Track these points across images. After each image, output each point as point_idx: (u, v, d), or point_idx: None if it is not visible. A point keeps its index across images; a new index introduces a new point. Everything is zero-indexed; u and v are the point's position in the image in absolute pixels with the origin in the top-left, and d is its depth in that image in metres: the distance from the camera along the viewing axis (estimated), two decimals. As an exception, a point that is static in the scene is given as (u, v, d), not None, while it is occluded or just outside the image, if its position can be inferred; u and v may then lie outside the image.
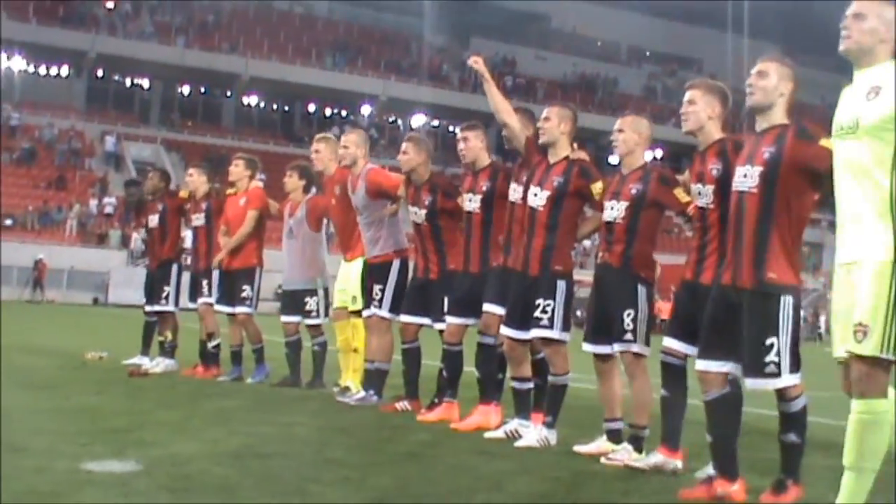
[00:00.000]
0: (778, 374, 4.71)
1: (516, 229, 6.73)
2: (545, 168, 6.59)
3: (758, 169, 4.79)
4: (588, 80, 59.92)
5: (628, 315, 5.95)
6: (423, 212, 7.76)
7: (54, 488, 4.22)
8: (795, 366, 4.74)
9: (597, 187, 6.38)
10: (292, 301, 9.49)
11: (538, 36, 60.19)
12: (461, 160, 7.52)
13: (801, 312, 4.88)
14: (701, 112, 5.51)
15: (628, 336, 5.94)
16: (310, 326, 9.44)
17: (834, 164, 4.33)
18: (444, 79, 55.04)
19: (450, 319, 7.42)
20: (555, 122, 6.59)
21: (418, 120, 54.76)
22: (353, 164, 8.40)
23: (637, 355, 5.96)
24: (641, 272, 6.00)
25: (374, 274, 8.26)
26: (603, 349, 6.06)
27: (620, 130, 6.15)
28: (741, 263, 4.79)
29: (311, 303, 9.39)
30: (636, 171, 6.09)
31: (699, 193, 5.43)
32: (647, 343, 6.00)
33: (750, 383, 4.76)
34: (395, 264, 8.18)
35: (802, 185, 4.71)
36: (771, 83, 4.89)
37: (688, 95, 5.58)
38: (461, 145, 7.44)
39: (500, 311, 6.86)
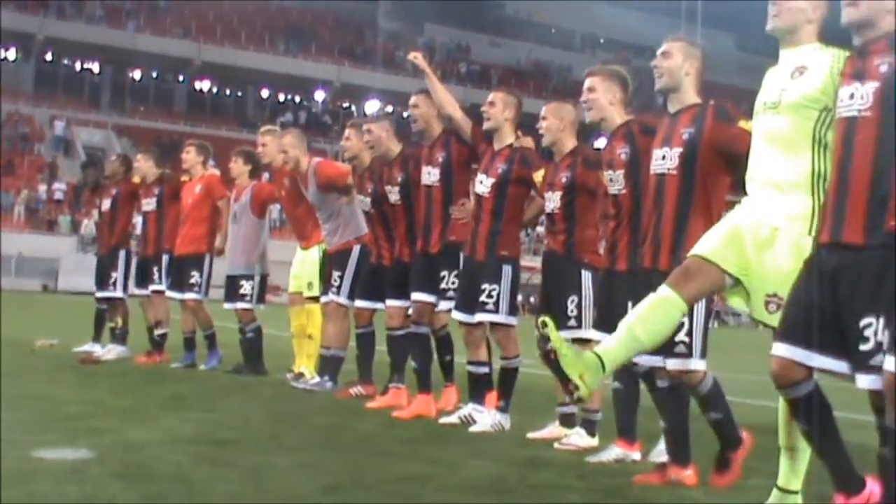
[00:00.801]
0: (688, 355, 4.67)
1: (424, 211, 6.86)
2: (490, 156, 6.62)
3: (677, 150, 4.75)
4: (542, 68, 60.06)
5: (572, 301, 5.98)
6: (368, 199, 7.75)
7: (5, 476, 4.18)
8: (705, 352, 4.70)
9: (538, 175, 6.40)
10: (233, 286, 9.46)
11: (493, 22, 60.22)
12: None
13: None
14: (601, 99, 5.51)
15: (572, 322, 5.96)
16: (242, 311, 9.41)
17: (753, 137, 4.34)
18: (399, 65, 54.89)
19: (390, 303, 7.43)
20: (499, 108, 6.61)
21: (372, 106, 54.59)
22: (296, 165, 8.42)
23: (585, 341, 5.91)
24: (585, 258, 6.02)
25: (333, 261, 8.28)
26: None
27: (544, 118, 6.16)
28: (661, 246, 4.79)
29: (245, 286, 9.35)
30: (565, 159, 6.12)
31: (611, 180, 5.42)
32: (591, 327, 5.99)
33: (666, 364, 4.72)
34: (355, 251, 8.19)
35: (720, 166, 4.70)
36: (676, 63, 4.87)
37: (587, 83, 5.55)
38: (410, 111, 7.36)
39: (430, 298, 6.90)
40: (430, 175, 6.97)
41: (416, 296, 7.08)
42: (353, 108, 55.14)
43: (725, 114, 4.68)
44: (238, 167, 9.54)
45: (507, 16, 61.77)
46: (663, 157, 4.82)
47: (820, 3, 4.30)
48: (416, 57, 7.01)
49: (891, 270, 3.52)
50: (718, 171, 4.73)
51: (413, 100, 7.20)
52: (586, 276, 5.99)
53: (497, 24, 60.68)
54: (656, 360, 4.82)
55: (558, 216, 6.06)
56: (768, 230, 4.14)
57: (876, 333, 3.51)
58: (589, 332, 5.88)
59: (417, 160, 7.18)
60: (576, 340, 5.97)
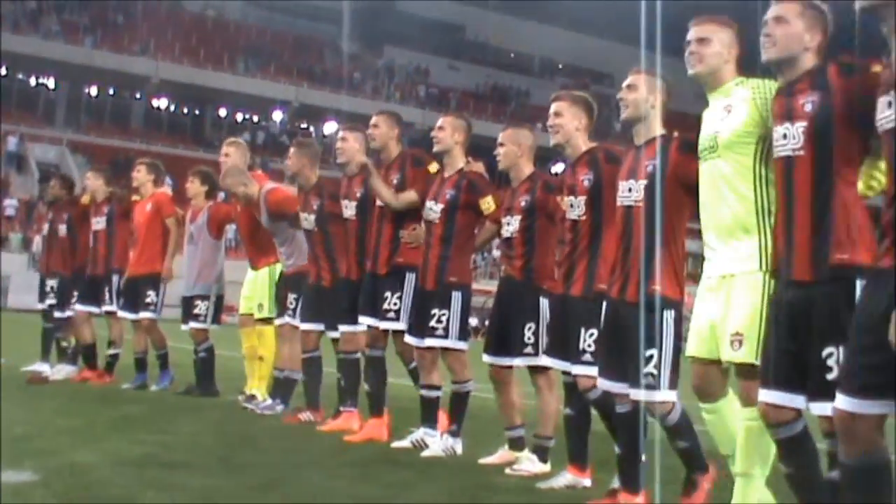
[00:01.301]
0: (656, 387, 4.69)
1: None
2: (440, 182, 6.64)
3: (642, 183, 4.84)
4: (501, 92, 60.35)
5: (529, 328, 5.98)
6: (312, 217, 7.71)
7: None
8: (674, 383, 4.72)
9: (485, 202, 6.42)
10: (189, 307, 9.39)
11: (452, 46, 60.41)
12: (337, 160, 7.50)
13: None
14: (568, 124, 5.55)
15: (529, 350, 5.97)
16: (196, 330, 9.34)
17: (700, 184, 4.46)
18: (357, 86, 54.91)
19: (343, 327, 7.40)
20: (448, 132, 6.63)
21: (330, 127, 54.55)
22: (246, 197, 8.40)
23: (542, 368, 5.96)
24: (544, 284, 6.02)
25: (289, 283, 8.23)
26: (502, 361, 6.08)
27: (501, 144, 6.18)
28: (630, 278, 4.84)
29: (200, 306, 9.29)
30: (524, 183, 6.13)
31: (571, 205, 5.46)
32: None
33: (631, 394, 4.79)
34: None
35: (684, 198, 4.78)
36: (640, 95, 4.94)
37: (554, 107, 5.61)
38: (339, 145, 7.42)
39: (380, 323, 6.92)
40: None
41: (369, 321, 7.07)
42: (312, 128, 55.04)
43: (689, 146, 4.73)
44: (195, 187, 9.49)
45: (467, 39, 62.02)
46: (629, 190, 4.88)
47: (733, 43, 4.46)
48: (365, 165, 6.99)
49: (841, 302, 3.62)
50: (683, 202, 4.78)
51: (374, 119, 7.18)
52: (544, 303, 6.00)
53: (456, 47, 60.90)
54: (619, 388, 4.86)
55: (517, 241, 6.06)
56: (726, 280, 4.25)
57: (838, 362, 3.62)
58: (543, 360, 5.91)
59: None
60: (532, 368, 5.99)
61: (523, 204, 6.03)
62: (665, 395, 4.69)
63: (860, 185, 3.76)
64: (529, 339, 5.97)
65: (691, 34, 4.53)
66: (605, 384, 4.94)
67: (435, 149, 6.70)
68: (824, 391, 3.62)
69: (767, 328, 3.97)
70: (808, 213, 3.78)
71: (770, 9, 4.07)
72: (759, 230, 4.21)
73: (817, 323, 3.70)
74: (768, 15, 4.06)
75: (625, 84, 4.97)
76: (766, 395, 3.89)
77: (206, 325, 9.31)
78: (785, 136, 3.88)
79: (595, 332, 5.21)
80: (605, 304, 4.99)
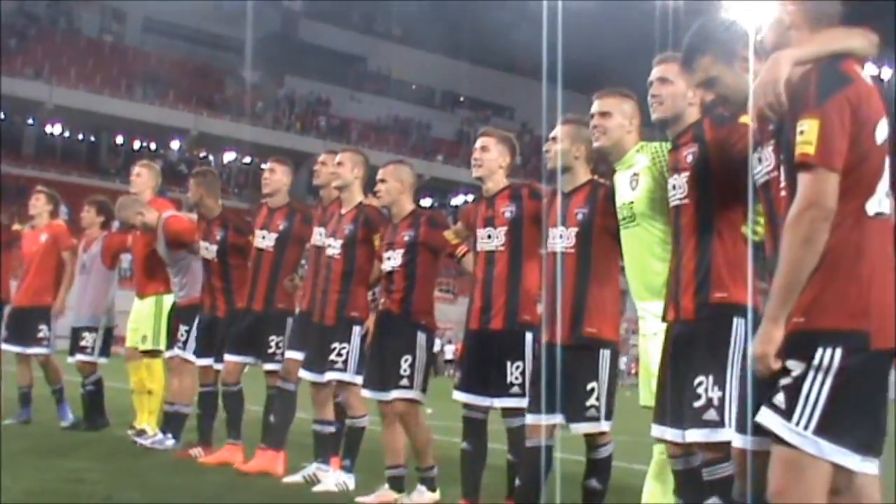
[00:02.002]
0: (598, 419, 4.88)
1: (313, 274, 6.82)
2: (338, 218, 6.67)
3: (573, 230, 5.00)
4: (402, 124, 60.61)
5: (406, 361, 5.99)
6: (214, 247, 7.67)
7: None
8: (609, 414, 4.93)
9: (379, 237, 6.45)
10: (76, 338, 9.18)
11: (354, 77, 60.50)
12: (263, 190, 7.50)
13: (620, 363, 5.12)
14: (493, 161, 5.69)
15: (404, 382, 5.96)
16: (83, 363, 9.14)
17: (622, 248, 4.65)
18: (258, 116, 54.59)
19: (228, 357, 7.35)
20: (348, 168, 6.68)
21: (229, 156, 54.10)
22: (144, 225, 8.28)
23: (412, 401, 5.97)
24: (422, 319, 6.07)
25: (181, 315, 8.12)
26: (383, 396, 6.09)
27: (383, 181, 6.24)
28: (562, 321, 4.97)
29: (87, 338, 9.09)
30: (406, 219, 6.20)
31: (488, 237, 5.56)
32: (424, 390, 6.02)
33: (574, 427, 4.91)
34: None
35: (614, 243, 4.92)
36: (565, 147, 5.13)
37: (481, 142, 5.75)
38: (266, 175, 7.43)
39: (300, 356, 6.87)
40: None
41: (289, 353, 7.07)
42: (211, 157, 54.46)
43: (614, 197, 4.87)
44: (90, 217, 9.32)
45: (369, 71, 62.15)
46: (560, 236, 5.03)
47: (635, 113, 4.67)
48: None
49: (719, 336, 3.77)
50: (612, 247, 4.93)
51: (338, 157, 6.89)
52: (421, 338, 6.03)
53: (358, 78, 61.00)
54: (545, 419, 4.95)
55: (398, 275, 6.10)
56: (654, 335, 4.39)
57: (707, 390, 3.78)
58: (419, 395, 5.96)
59: (306, 213, 7.25)
60: (407, 400, 5.98)
61: (406, 239, 6.09)
62: (605, 425, 4.91)
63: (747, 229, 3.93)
64: (406, 371, 5.97)
65: (594, 107, 4.82)
66: (531, 418, 5.02)
67: (334, 184, 6.75)
68: (693, 418, 3.80)
69: (658, 376, 4.11)
70: (692, 256, 3.97)
71: (653, 70, 4.29)
72: None
73: (692, 354, 3.85)
74: (653, 76, 4.28)
75: (551, 135, 5.14)
76: (653, 430, 4.03)
77: (94, 358, 9.11)
78: (674, 187, 4.09)
79: (521, 364, 5.33)
80: (539, 345, 5.14)
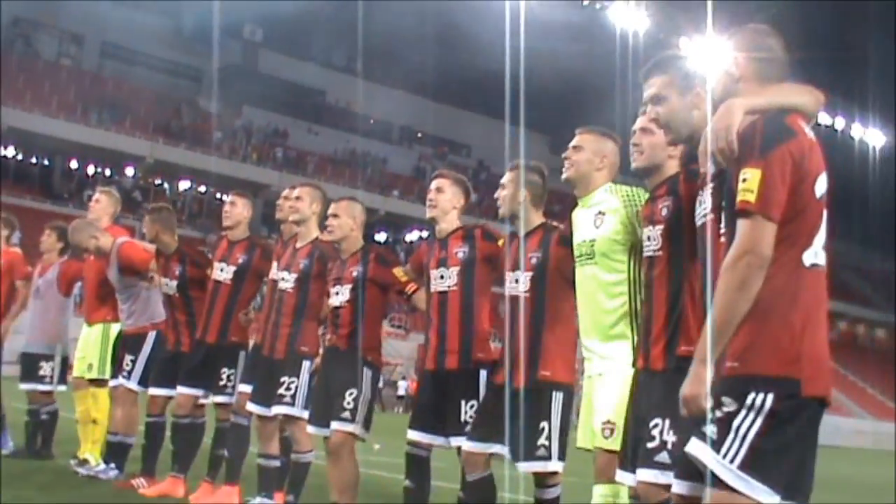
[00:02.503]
0: (548, 458, 4.95)
1: (268, 307, 6.82)
2: (292, 251, 6.70)
3: (528, 275, 5.08)
4: (359, 158, 60.62)
5: (350, 394, 6.01)
6: (174, 283, 7.66)
7: None
8: (561, 454, 4.99)
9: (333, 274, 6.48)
10: (30, 365, 9.07)
11: (312, 110, 60.49)
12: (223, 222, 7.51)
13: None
14: (447, 202, 5.77)
15: (346, 415, 5.97)
16: (40, 392, 9.04)
17: (577, 285, 4.71)
18: (215, 145, 54.37)
19: (179, 389, 7.33)
20: (307, 203, 6.73)
21: (184, 185, 53.77)
22: (97, 249, 8.24)
23: (350, 435, 5.97)
24: (368, 355, 6.10)
25: (127, 344, 8.09)
26: (325, 432, 6.09)
27: (335, 216, 6.29)
28: (516, 364, 5.02)
29: (45, 368, 9.03)
30: (355, 255, 6.25)
31: (441, 277, 5.63)
32: (367, 428, 6.04)
33: (523, 466, 4.97)
34: (150, 336, 8.06)
35: (569, 285, 4.99)
36: (510, 192, 5.23)
37: (436, 183, 5.84)
38: (227, 208, 7.45)
39: (246, 388, 6.88)
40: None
41: (242, 387, 7.11)
42: (166, 185, 54.11)
43: (567, 240, 4.95)
44: (50, 242, 9.26)
45: (327, 104, 62.18)
46: (516, 281, 5.09)
47: (608, 152, 4.74)
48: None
49: (679, 385, 3.83)
50: (567, 290, 4.99)
51: (297, 191, 6.95)
52: (367, 374, 6.06)
53: (316, 111, 60.98)
54: (497, 448, 5.05)
55: (345, 311, 6.14)
56: (599, 376, 4.45)
57: (661, 433, 3.84)
58: (361, 431, 5.98)
59: (266, 248, 7.27)
60: (346, 433, 5.97)
61: (354, 274, 6.14)
62: (555, 464, 4.98)
63: None
64: (349, 404, 5.98)
65: (572, 142, 4.81)
66: (468, 445, 5.13)
67: (291, 218, 6.80)
68: (653, 459, 3.85)
69: (625, 421, 4.16)
70: (663, 307, 4.03)
71: (638, 120, 4.34)
72: (632, 331, 4.46)
73: (657, 399, 3.91)
74: (636, 126, 4.33)
75: (501, 181, 5.22)
76: (619, 475, 4.08)
77: (52, 387, 9.03)
78: (649, 238, 4.15)
79: (476, 403, 5.37)
80: (490, 387, 5.19)
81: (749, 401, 2.96)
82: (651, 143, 4.28)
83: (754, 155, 3.05)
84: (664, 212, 4.10)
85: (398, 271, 6.11)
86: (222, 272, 7.34)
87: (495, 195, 5.36)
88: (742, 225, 3.03)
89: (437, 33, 48.55)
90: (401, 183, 58.36)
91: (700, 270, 3.93)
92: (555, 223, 5.22)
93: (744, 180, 3.03)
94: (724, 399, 2.99)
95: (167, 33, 52.98)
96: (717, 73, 3.39)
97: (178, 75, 57.03)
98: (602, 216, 4.67)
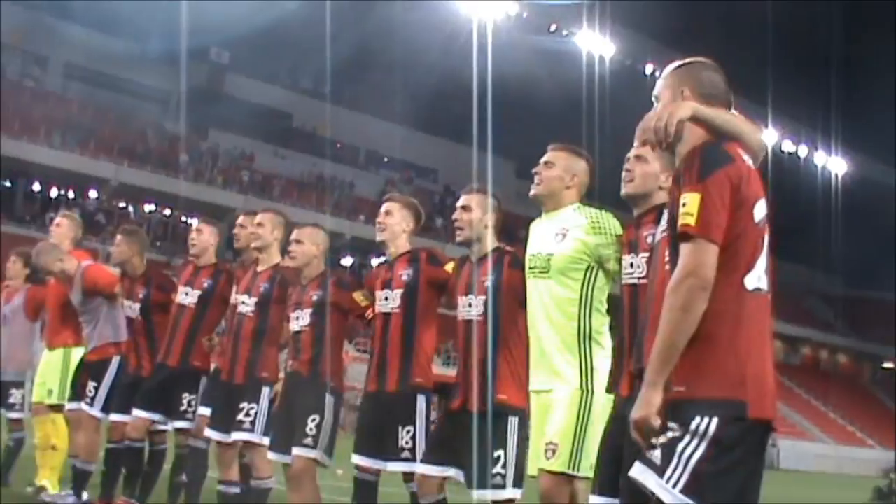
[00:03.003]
0: (503, 486, 4.91)
1: (229, 332, 6.78)
2: (252, 275, 6.67)
3: (481, 298, 5.05)
4: (325, 181, 60.54)
5: (312, 420, 5.96)
6: (137, 306, 7.60)
7: None
8: (519, 481, 4.96)
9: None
10: (5, 395, 8.93)
11: (278, 133, 60.39)
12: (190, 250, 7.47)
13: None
14: (396, 226, 5.78)
15: (308, 441, 5.92)
16: (11, 420, 8.90)
17: (528, 300, 4.68)
18: (180, 168, 54.10)
19: (136, 412, 7.25)
20: (268, 229, 6.72)
21: (149, 208, 53.46)
22: (62, 273, 8.14)
23: (312, 461, 5.91)
24: (330, 380, 6.06)
25: (90, 369, 8.00)
26: (286, 458, 6.04)
27: (299, 241, 6.27)
28: (472, 388, 4.99)
29: (16, 395, 8.90)
30: (316, 279, 6.23)
31: (386, 299, 5.62)
32: (330, 454, 5.98)
33: (478, 494, 4.93)
34: (114, 362, 7.97)
35: (522, 308, 4.98)
36: (476, 216, 5.22)
37: (385, 207, 5.85)
38: (193, 236, 7.42)
39: (206, 411, 6.83)
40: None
41: (202, 410, 7.01)
42: (131, 208, 53.78)
43: (519, 262, 4.95)
44: (16, 268, 9.16)
45: (294, 127, 62.10)
46: (469, 305, 5.07)
47: (579, 171, 4.73)
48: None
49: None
50: (520, 313, 4.97)
51: (259, 217, 6.91)
52: (329, 400, 6.02)
53: (283, 134, 60.87)
54: (451, 472, 5.06)
55: (306, 336, 6.10)
56: (545, 396, 4.43)
57: None
58: (323, 457, 5.93)
59: (231, 274, 7.22)
60: (309, 460, 5.94)
61: (314, 299, 6.12)
62: (511, 492, 4.96)
63: None
64: (311, 430, 5.93)
65: (544, 157, 4.81)
66: (422, 468, 5.14)
67: (253, 245, 6.78)
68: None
69: (603, 437, 4.13)
70: (652, 336, 3.99)
71: (633, 148, 4.37)
72: (580, 352, 4.47)
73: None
74: (630, 153, 4.37)
75: (459, 205, 5.22)
76: (596, 500, 4.07)
77: (24, 415, 8.91)
78: (631, 266, 4.15)
79: (412, 429, 5.33)
80: (434, 407, 5.15)
81: (694, 425, 2.98)
82: (643, 172, 4.33)
83: (693, 180, 3.10)
84: (650, 240, 4.12)
85: (358, 295, 6.09)
86: (186, 296, 7.29)
87: (453, 217, 5.33)
88: (684, 249, 3.08)
89: (405, 57, 48.74)
90: (367, 207, 58.19)
91: None
92: (507, 247, 5.21)
93: (684, 204, 3.09)
94: (670, 424, 3.02)
95: (133, 55, 52.77)
96: (662, 103, 3.42)
97: (144, 98, 56.78)
98: (566, 233, 4.65)
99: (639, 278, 4.13)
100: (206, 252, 7.41)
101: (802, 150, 57.93)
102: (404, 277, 5.64)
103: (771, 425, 3.11)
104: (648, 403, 3.04)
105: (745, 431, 3.01)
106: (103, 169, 51.43)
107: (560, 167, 4.79)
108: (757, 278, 3.13)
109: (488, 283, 5.10)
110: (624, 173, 4.41)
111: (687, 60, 3.46)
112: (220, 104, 56.02)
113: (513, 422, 4.97)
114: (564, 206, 4.76)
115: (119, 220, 51.28)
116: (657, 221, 4.10)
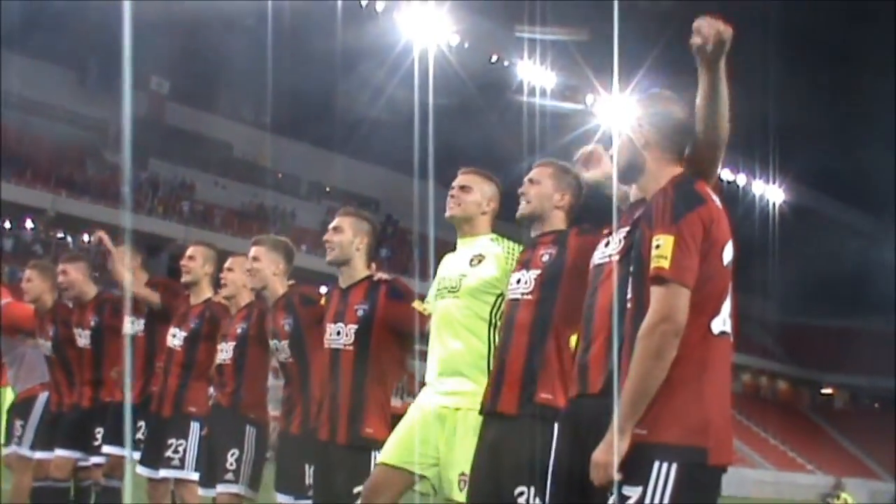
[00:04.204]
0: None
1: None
2: (185, 309, 6.56)
3: (351, 327, 4.93)
4: (266, 211, 60.19)
5: (232, 455, 5.84)
6: (49, 343, 7.43)
7: None
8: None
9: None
10: None
11: (219, 163, 59.98)
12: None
13: None
14: (265, 269, 5.67)
15: (230, 476, 5.79)
16: None
17: (433, 320, 4.60)
18: (119, 198, 53.46)
19: (58, 452, 7.07)
20: (199, 263, 6.62)
21: (87, 238, 52.70)
22: None
23: (235, 496, 5.79)
24: (251, 413, 5.93)
25: (17, 409, 7.82)
26: (213, 493, 5.92)
27: (230, 270, 6.18)
28: (338, 419, 4.86)
29: None
30: (242, 310, 6.12)
31: (276, 349, 5.53)
32: (255, 487, 5.85)
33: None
34: (41, 398, 7.77)
35: (394, 341, 4.89)
36: (346, 238, 5.09)
37: (252, 252, 5.68)
38: (61, 278, 7.26)
39: (123, 452, 6.67)
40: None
41: (107, 448, 6.77)
42: (69, 238, 53.01)
43: (398, 292, 4.87)
44: None
45: (234, 157, 61.73)
46: (338, 333, 4.92)
47: (493, 197, 4.72)
48: (102, 238, 6.80)
49: (543, 440, 3.75)
50: (392, 345, 4.88)
51: (190, 251, 6.74)
52: (251, 432, 5.89)
53: (224, 164, 60.47)
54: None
55: (228, 368, 6.00)
56: (451, 417, 4.33)
57: (528, 501, 3.69)
58: (246, 490, 5.81)
59: (113, 305, 7.04)
60: (232, 495, 5.82)
61: (238, 331, 6.00)
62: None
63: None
64: (232, 465, 5.81)
65: (456, 181, 4.74)
66: (284, 498, 5.24)
67: (184, 279, 6.64)
68: None
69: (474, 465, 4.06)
70: (522, 351, 3.99)
71: (531, 172, 4.42)
72: (486, 374, 4.36)
73: (513, 459, 3.83)
74: (526, 176, 4.39)
75: (331, 226, 5.07)
76: None
77: None
78: (518, 282, 4.12)
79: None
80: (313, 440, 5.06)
81: (654, 475, 2.93)
82: (537, 193, 4.34)
83: (666, 221, 3.04)
84: (545, 258, 4.15)
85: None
86: (81, 338, 7.21)
87: (325, 238, 5.14)
88: (656, 292, 3.01)
89: (345, 88, 48.76)
90: (309, 237, 58.04)
91: (571, 319, 3.91)
92: (383, 276, 5.07)
93: (657, 247, 3.02)
94: (627, 490, 2.96)
95: (70, 83, 52.18)
96: (623, 139, 3.39)
97: (81, 127, 56.10)
98: (482, 259, 4.59)
99: (522, 293, 4.10)
100: (76, 289, 7.29)
101: (741, 179, 58.74)
102: (287, 328, 5.49)
103: (726, 469, 3.09)
104: (612, 448, 2.97)
105: (706, 477, 2.99)
106: (40, 199, 50.69)
107: (477, 192, 4.72)
108: (722, 322, 3.10)
109: (360, 313, 4.96)
110: (520, 196, 4.41)
111: (647, 95, 3.44)
112: (160, 134, 55.57)
113: (375, 457, 4.71)
114: (480, 234, 4.70)
115: (57, 250, 50.54)
116: (557, 243, 4.16)
